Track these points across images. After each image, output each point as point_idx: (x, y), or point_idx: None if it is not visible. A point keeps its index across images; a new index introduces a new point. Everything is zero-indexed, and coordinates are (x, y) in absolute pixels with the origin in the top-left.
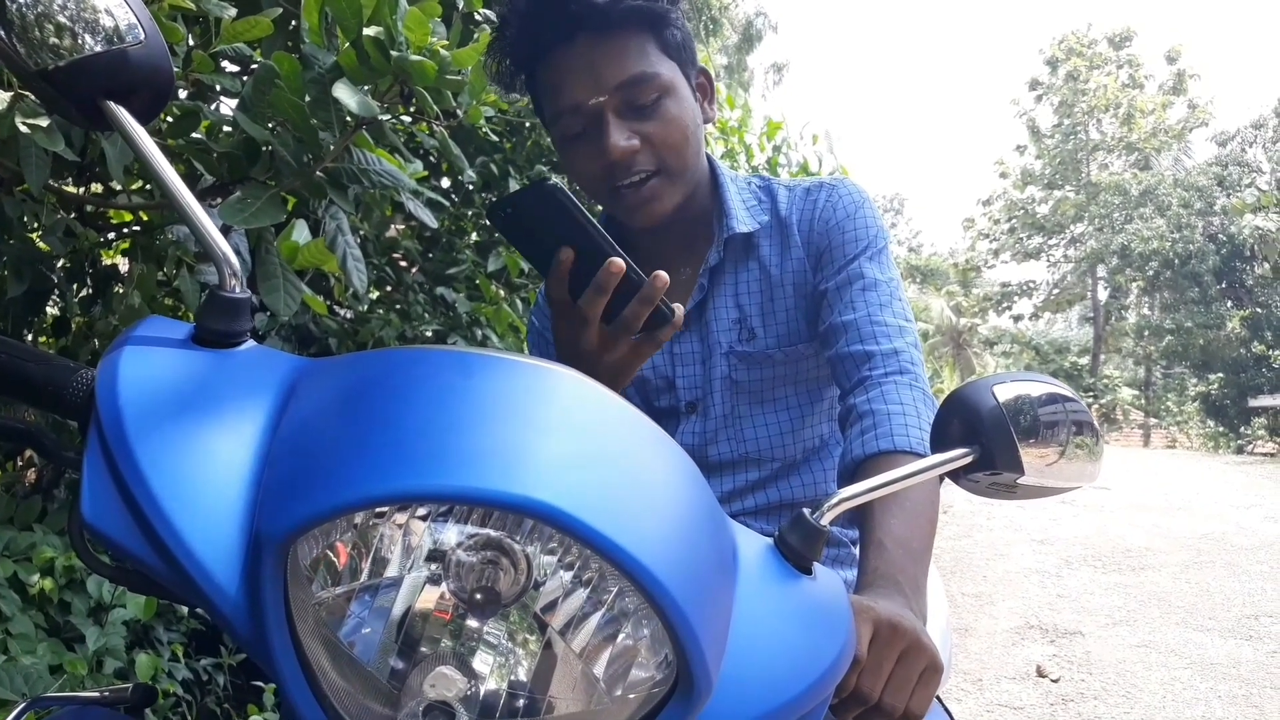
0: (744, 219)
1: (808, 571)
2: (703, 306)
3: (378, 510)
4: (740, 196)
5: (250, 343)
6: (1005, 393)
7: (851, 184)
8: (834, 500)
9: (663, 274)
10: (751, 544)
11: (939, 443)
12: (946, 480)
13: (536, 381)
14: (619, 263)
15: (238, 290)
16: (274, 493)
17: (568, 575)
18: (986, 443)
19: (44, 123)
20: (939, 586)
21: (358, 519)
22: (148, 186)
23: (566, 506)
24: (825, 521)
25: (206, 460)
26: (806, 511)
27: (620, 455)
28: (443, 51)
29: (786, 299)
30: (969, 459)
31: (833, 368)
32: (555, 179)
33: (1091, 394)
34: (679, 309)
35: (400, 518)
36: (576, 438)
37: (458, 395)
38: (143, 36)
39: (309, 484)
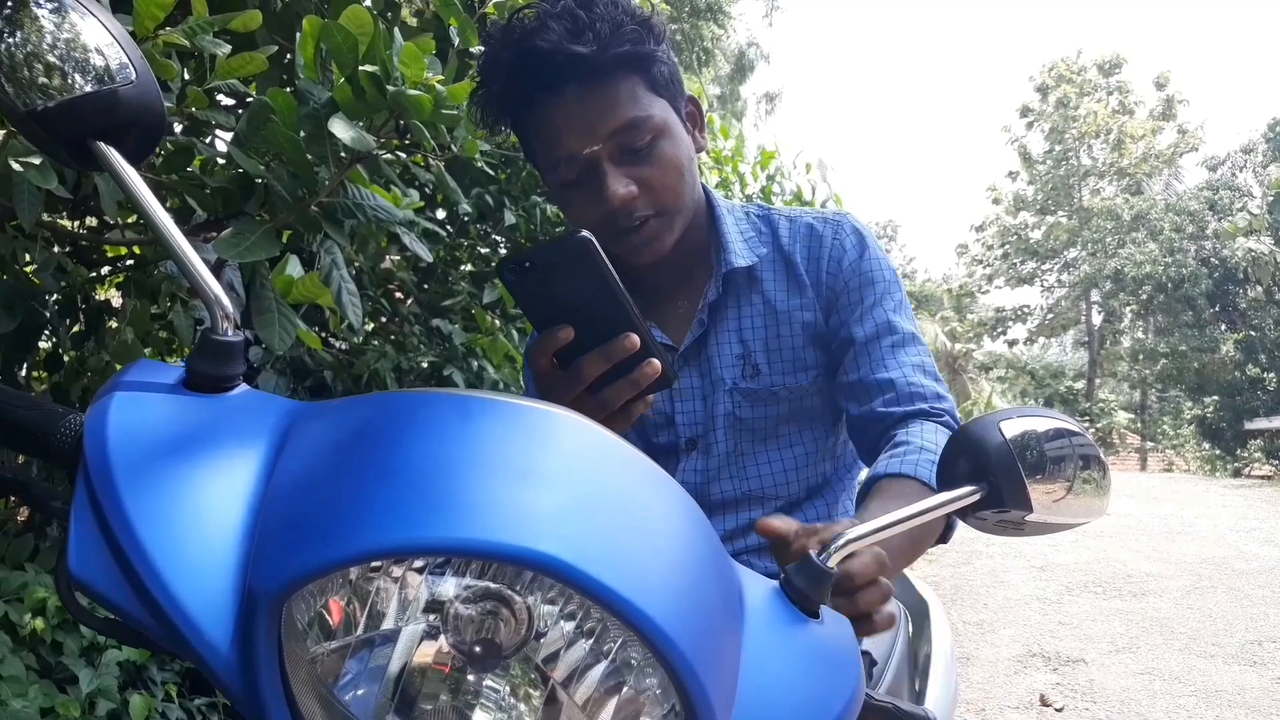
0: (741, 252)
1: (815, 615)
2: (703, 342)
3: (374, 564)
4: (738, 228)
5: (243, 386)
6: (1012, 429)
7: (855, 221)
8: (840, 541)
9: (655, 362)
10: (757, 587)
11: (946, 480)
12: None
13: (536, 426)
14: (635, 340)
15: (230, 333)
16: (267, 546)
17: (569, 626)
18: (994, 480)
19: (36, 160)
20: (943, 618)
21: (353, 573)
22: (141, 221)
23: (568, 557)
24: (832, 563)
25: (197, 512)
26: (813, 552)
27: (622, 501)
28: (438, 86)
29: (794, 336)
30: (976, 496)
31: (863, 423)
32: (585, 233)
33: (1087, 418)
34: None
35: (397, 570)
36: (577, 484)
37: (456, 441)
38: (134, 76)
39: (303, 537)
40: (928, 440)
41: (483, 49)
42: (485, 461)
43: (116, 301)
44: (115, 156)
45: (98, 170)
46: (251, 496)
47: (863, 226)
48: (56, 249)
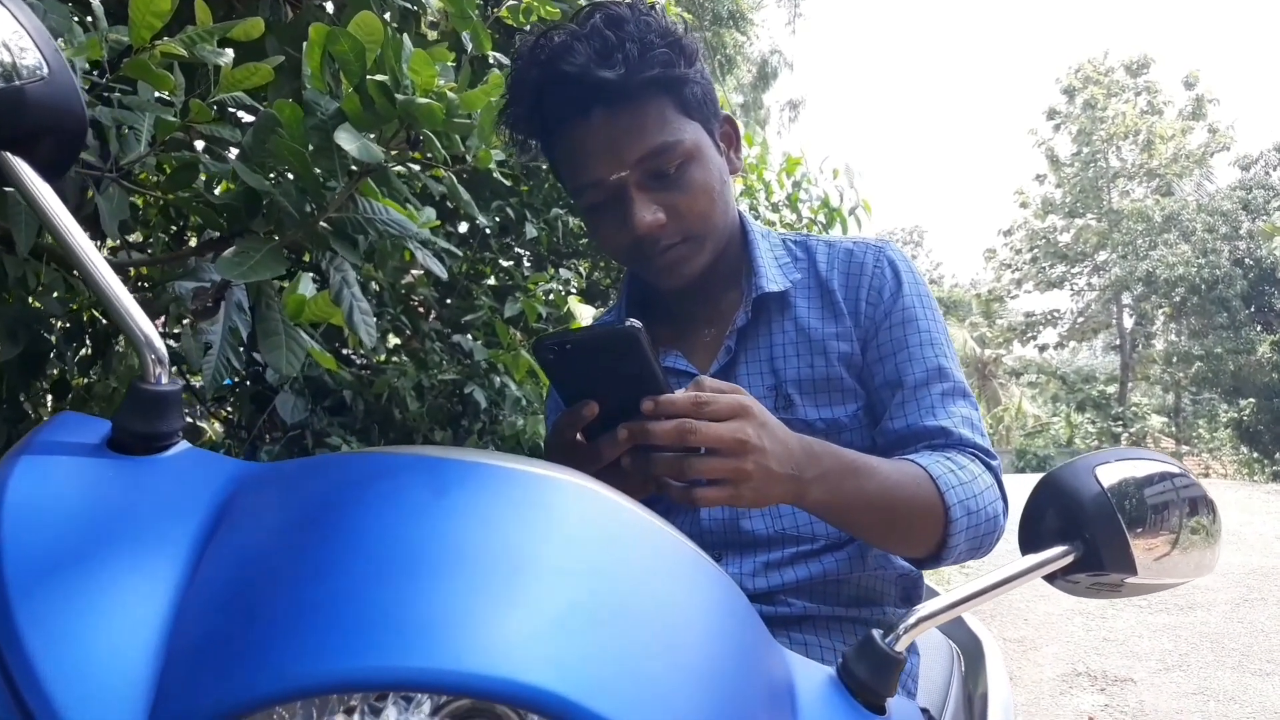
0: (774, 277)
1: (880, 710)
2: (729, 370)
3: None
4: (773, 254)
5: (182, 445)
6: (1110, 475)
7: (897, 250)
8: (910, 620)
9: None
10: (811, 679)
11: (1032, 538)
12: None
13: (530, 498)
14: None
15: (164, 381)
16: (187, 670)
17: None
18: (1091, 538)
19: None
20: (998, 656)
21: (295, 712)
22: (144, 239)
23: (567, 691)
24: (901, 647)
25: (106, 618)
26: (877, 634)
27: (638, 599)
28: (450, 94)
29: (830, 366)
30: (1070, 558)
31: None
32: (633, 321)
33: (1120, 422)
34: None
35: (352, 700)
36: (581, 581)
37: (426, 524)
38: (45, 73)
39: (227, 665)
40: (966, 470)
41: (508, 63)
42: (462, 552)
43: None
44: (23, 170)
45: (5, 185)
46: (176, 594)
47: (904, 256)
48: (60, 271)
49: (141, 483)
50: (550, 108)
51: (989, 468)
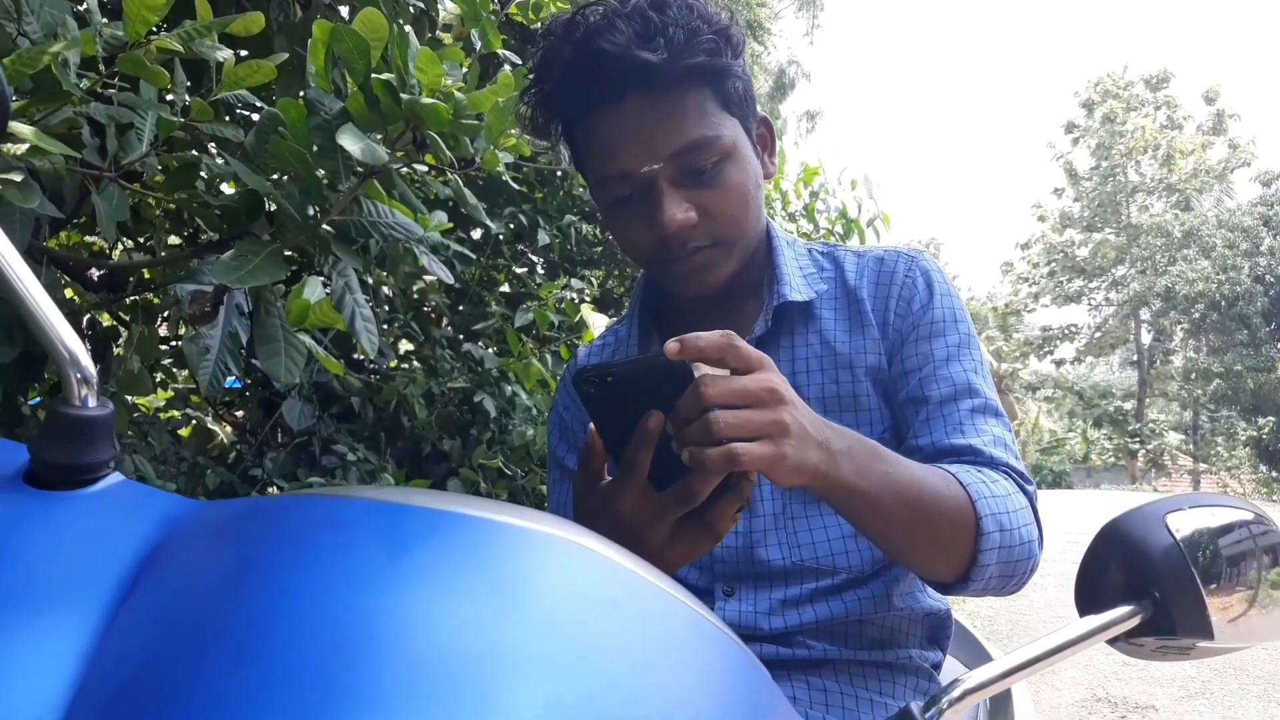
0: (798, 286)
1: None
2: None
3: None
4: (797, 263)
5: (112, 478)
6: (1182, 525)
7: (929, 260)
8: (955, 693)
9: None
10: None
11: (1092, 594)
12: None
13: (508, 560)
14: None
15: (90, 404)
16: None
17: None
18: (1161, 597)
19: (17, 177)
20: (1026, 697)
21: None
22: (147, 241)
23: None
24: None
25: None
26: (915, 709)
27: (640, 692)
28: (457, 94)
29: (856, 382)
30: (1137, 619)
31: None
32: (681, 358)
33: (1138, 439)
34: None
35: None
36: (566, 673)
37: (379, 595)
38: None
39: None
40: (999, 485)
41: (519, 62)
42: (418, 638)
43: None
44: None
45: None
46: (81, 666)
47: (938, 267)
48: (59, 273)
49: (58, 523)
50: (580, 89)
51: (1024, 491)
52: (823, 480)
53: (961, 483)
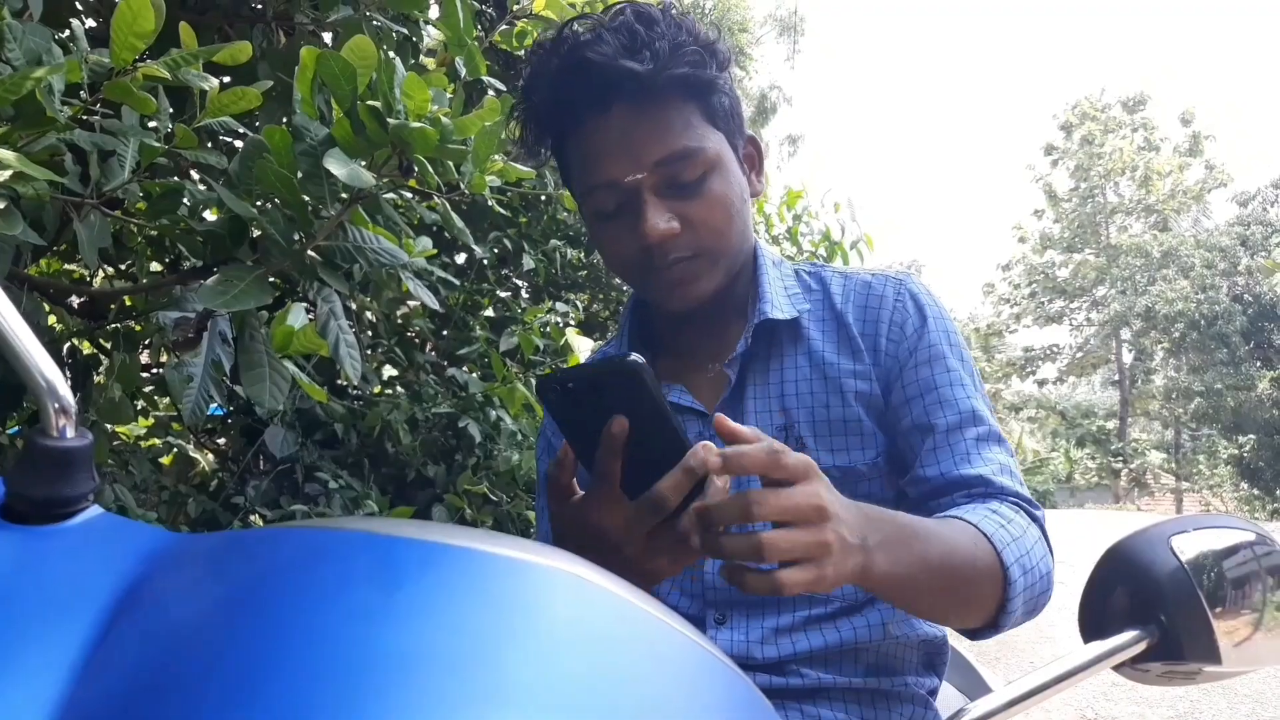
0: (780, 305)
1: None
2: (736, 405)
3: None
4: (782, 282)
5: (91, 511)
6: (1188, 547)
7: (919, 282)
8: None
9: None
10: None
11: (1096, 619)
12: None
13: (505, 594)
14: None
15: (69, 434)
16: None
17: None
18: (1168, 621)
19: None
20: None
21: None
22: (128, 268)
23: None
24: None
25: None
26: None
27: None
28: (444, 119)
29: (847, 406)
30: (1143, 645)
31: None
32: (635, 356)
33: (1120, 458)
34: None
35: None
36: (572, 708)
37: (372, 632)
38: None
39: None
40: (1015, 525)
41: (504, 89)
42: (414, 678)
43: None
44: None
45: None
46: (59, 706)
47: (927, 290)
48: (41, 300)
49: (34, 559)
50: (567, 99)
51: (1034, 519)
52: (859, 581)
53: (985, 533)
